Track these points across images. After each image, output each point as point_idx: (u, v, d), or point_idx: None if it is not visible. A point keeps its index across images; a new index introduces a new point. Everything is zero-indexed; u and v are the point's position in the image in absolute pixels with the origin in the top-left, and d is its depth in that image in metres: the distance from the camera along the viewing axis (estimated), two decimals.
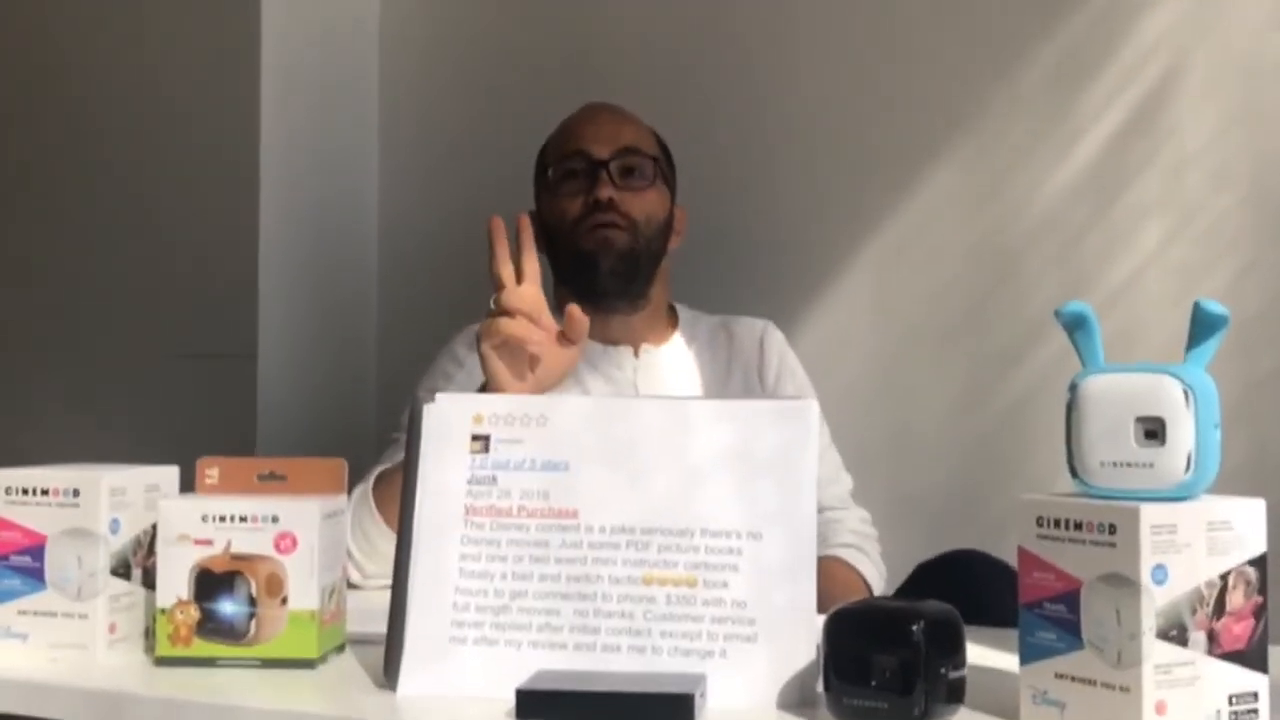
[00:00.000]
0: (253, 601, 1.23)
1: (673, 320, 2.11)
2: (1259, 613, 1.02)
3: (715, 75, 2.43)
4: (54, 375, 2.57)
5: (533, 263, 1.64)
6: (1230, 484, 1.05)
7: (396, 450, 1.83)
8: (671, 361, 2.05)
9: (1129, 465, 1.01)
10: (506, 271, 1.63)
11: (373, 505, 1.73)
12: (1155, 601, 0.97)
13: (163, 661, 1.24)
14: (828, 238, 2.34)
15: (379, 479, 1.75)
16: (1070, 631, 1.00)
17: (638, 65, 2.48)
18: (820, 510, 1.92)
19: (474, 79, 2.61)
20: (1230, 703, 1.00)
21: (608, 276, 2.01)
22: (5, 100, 2.66)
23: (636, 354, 2.04)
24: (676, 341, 2.08)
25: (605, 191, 2.00)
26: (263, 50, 2.43)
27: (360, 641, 1.30)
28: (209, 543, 1.24)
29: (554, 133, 2.12)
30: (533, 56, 2.56)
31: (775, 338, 2.10)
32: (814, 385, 2.08)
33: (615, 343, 2.05)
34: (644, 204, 2.03)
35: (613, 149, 2.03)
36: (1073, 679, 1.00)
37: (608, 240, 2.00)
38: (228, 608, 1.23)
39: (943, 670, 1.02)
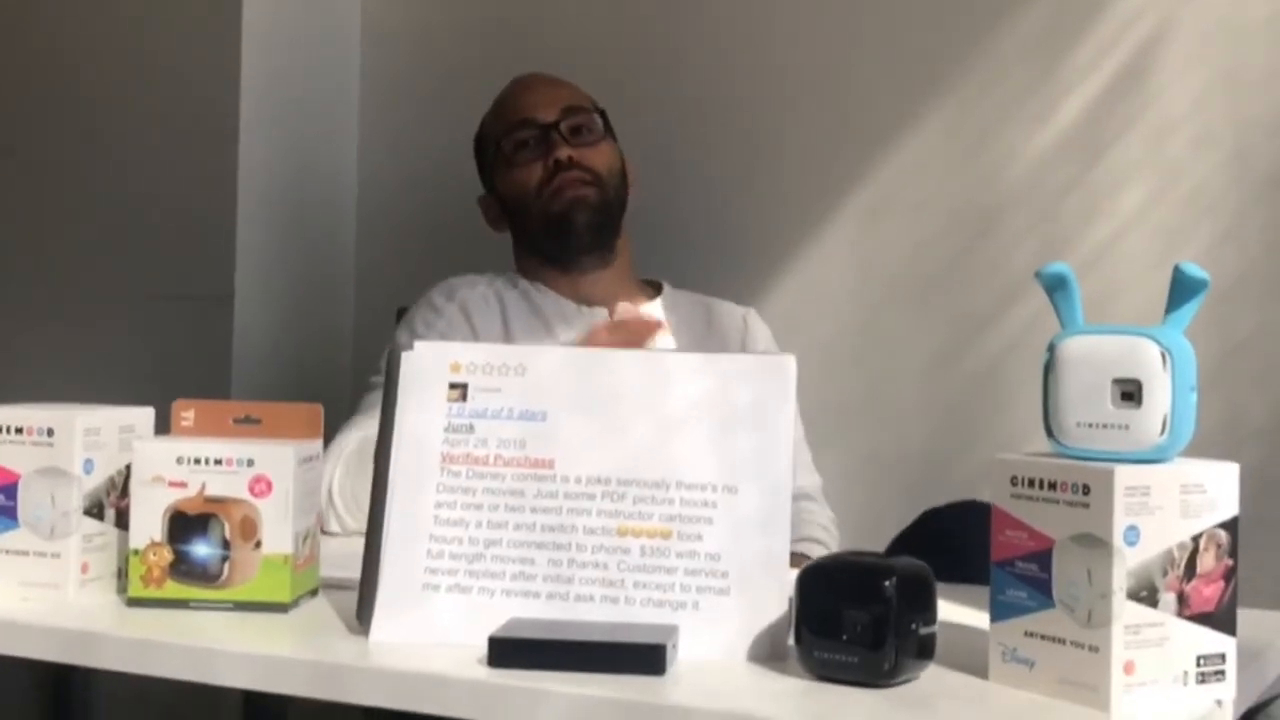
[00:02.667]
0: (226, 544, 1.23)
1: (652, 292, 2.11)
2: (1229, 576, 1.02)
3: (690, 31, 2.41)
4: (30, 314, 2.55)
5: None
6: (1205, 447, 1.05)
7: (375, 396, 1.82)
8: None
9: (1105, 426, 1.02)
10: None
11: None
12: (1127, 562, 0.97)
13: (135, 602, 1.23)
14: (807, 195, 2.33)
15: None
16: (1041, 590, 1.01)
17: (617, 14, 2.46)
18: (794, 498, 1.92)
19: (457, 24, 2.59)
20: (1198, 664, 1.01)
21: (583, 233, 2.02)
22: None
23: (611, 315, 2.04)
24: (654, 307, 2.07)
25: (564, 151, 2.02)
26: None
27: (334, 586, 1.31)
28: (183, 485, 1.24)
29: (490, 112, 2.13)
30: (517, 6, 2.54)
31: (760, 322, 2.10)
32: (790, 344, 2.08)
33: (590, 303, 2.04)
34: (602, 157, 2.05)
35: (558, 110, 2.05)
36: (1042, 637, 1.01)
37: (578, 198, 2.01)
38: (201, 550, 1.23)
39: (913, 626, 1.03)
